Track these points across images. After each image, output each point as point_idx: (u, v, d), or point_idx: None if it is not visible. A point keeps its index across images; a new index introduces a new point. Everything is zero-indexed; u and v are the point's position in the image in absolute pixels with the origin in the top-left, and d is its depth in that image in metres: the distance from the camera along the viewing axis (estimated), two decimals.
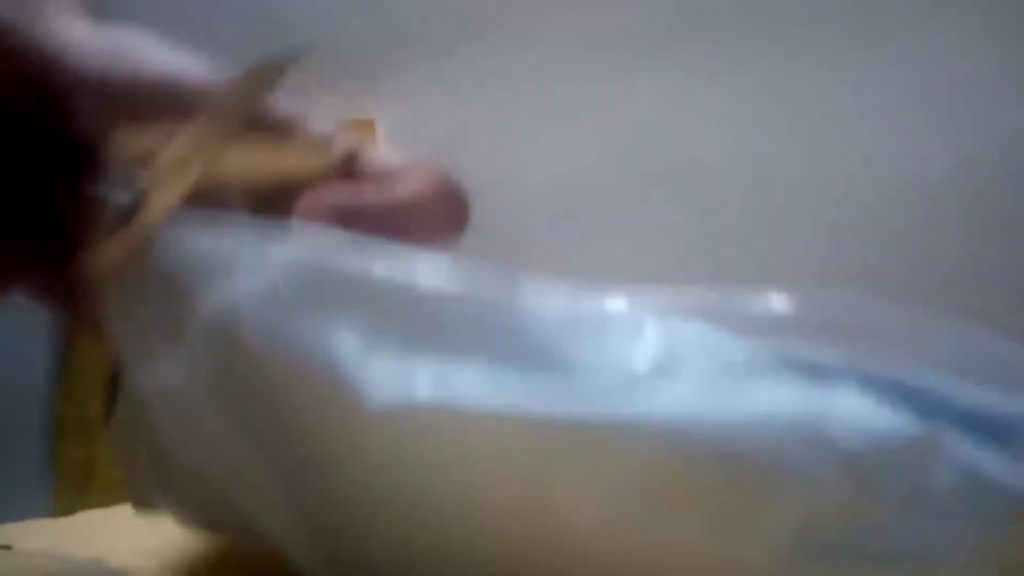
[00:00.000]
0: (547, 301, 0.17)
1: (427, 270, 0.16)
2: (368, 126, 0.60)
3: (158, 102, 0.18)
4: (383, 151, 0.20)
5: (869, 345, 0.17)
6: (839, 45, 0.51)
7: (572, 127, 0.56)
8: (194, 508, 0.18)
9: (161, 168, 0.17)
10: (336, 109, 0.62)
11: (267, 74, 0.19)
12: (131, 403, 0.17)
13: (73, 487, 0.64)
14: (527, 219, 0.56)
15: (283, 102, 0.19)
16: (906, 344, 0.17)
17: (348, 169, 0.19)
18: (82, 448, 0.64)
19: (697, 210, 0.52)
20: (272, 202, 0.17)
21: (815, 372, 0.16)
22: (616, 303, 0.18)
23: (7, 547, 0.22)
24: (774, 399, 0.14)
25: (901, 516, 0.14)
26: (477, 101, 0.58)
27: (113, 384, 0.18)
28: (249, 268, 0.15)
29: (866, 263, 0.49)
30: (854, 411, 0.14)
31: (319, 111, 0.19)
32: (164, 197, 0.16)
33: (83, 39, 0.18)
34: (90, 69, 0.18)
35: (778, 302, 0.18)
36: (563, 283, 0.17)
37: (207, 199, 0.16)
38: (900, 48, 0.50)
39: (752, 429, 0.14)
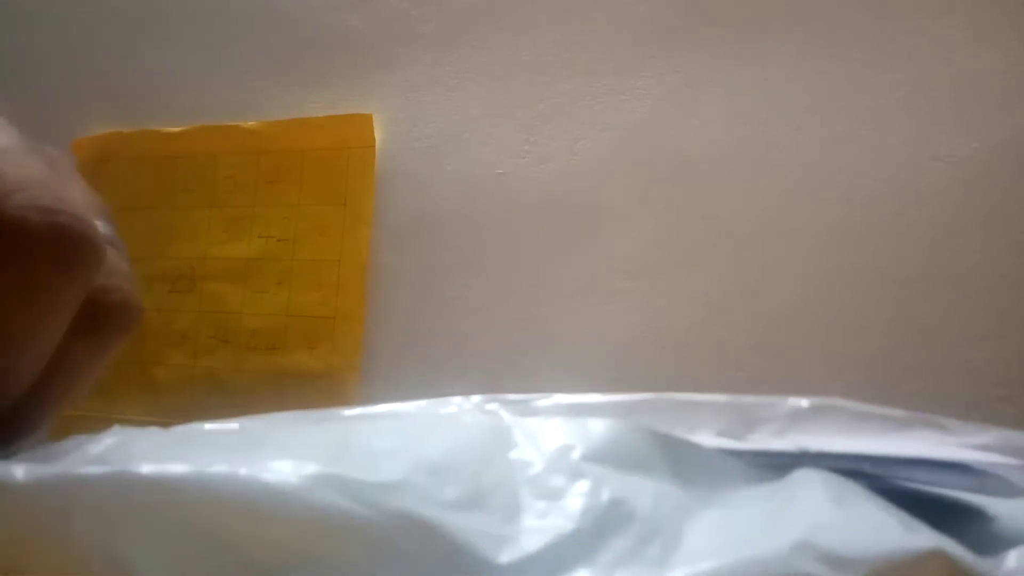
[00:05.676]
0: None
1: None
2: (364, 122, 0.60)
3: None
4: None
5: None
6: (844, 42, 0.51)
7: (571, 124, 0.56)
8: None
9: None
10: (332, 104, 0.62)
11: None
12: None
13: None
14: (526, 217, 0.56)
15: None
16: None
17: None
18: None
19: (697, 209, 0.52)
20: None
21: (775, 464, 0.16)
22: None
23: None
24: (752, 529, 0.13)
25: None
26: (475, 97, 0.58)
27: None
28: None
29: (868, 262, 0.49)
30: (833, 531, 0.13)
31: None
32: None
33: None
34: None
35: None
36: None
37: None
38: (906, 45, 0.50)
39: None
